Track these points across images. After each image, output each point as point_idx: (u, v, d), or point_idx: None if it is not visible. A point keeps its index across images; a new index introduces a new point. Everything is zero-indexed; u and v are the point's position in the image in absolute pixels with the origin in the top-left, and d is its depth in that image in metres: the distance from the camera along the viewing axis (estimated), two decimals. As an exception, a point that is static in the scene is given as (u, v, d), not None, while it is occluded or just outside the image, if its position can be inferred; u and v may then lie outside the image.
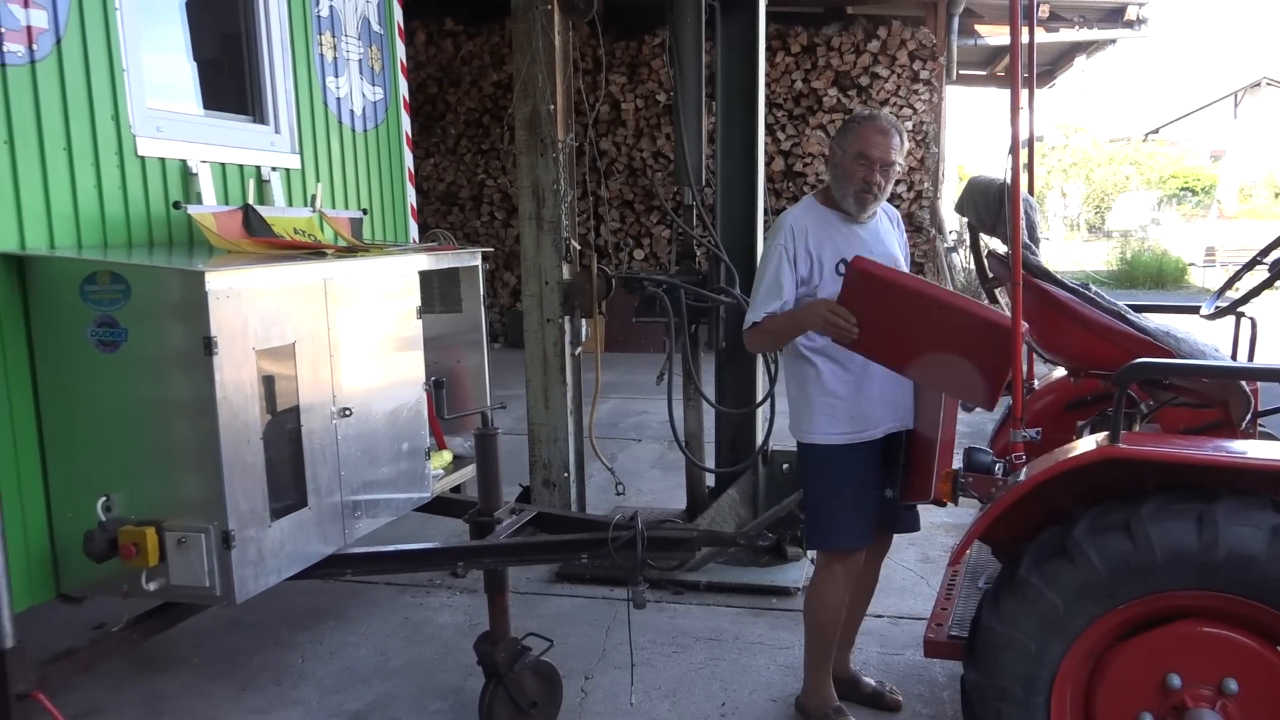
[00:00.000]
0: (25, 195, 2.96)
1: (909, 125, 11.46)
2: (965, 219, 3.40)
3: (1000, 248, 3.40)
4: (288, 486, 3.14)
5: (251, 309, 2.96)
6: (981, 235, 3.37)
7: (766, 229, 5.03)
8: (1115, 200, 33.84)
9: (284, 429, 3.14)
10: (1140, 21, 12.56)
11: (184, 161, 3.55)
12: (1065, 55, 14.70)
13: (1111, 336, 2.99)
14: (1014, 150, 2.68)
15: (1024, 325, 2.64)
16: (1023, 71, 2.71)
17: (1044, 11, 12.51)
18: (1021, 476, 2.66)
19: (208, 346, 2.77)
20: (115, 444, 2.92)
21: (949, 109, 12.01)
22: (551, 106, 4.69)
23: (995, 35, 12.87)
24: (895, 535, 3.55)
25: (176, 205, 3.42)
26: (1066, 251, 23.30)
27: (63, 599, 3.11)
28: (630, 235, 11.79)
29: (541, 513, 3.62)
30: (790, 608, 4.46)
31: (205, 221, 3.42)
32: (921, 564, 5.07)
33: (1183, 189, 34.30)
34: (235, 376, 2.87)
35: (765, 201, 5.19)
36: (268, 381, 3.05)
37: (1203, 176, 35.40)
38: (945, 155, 12.18)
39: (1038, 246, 3.24)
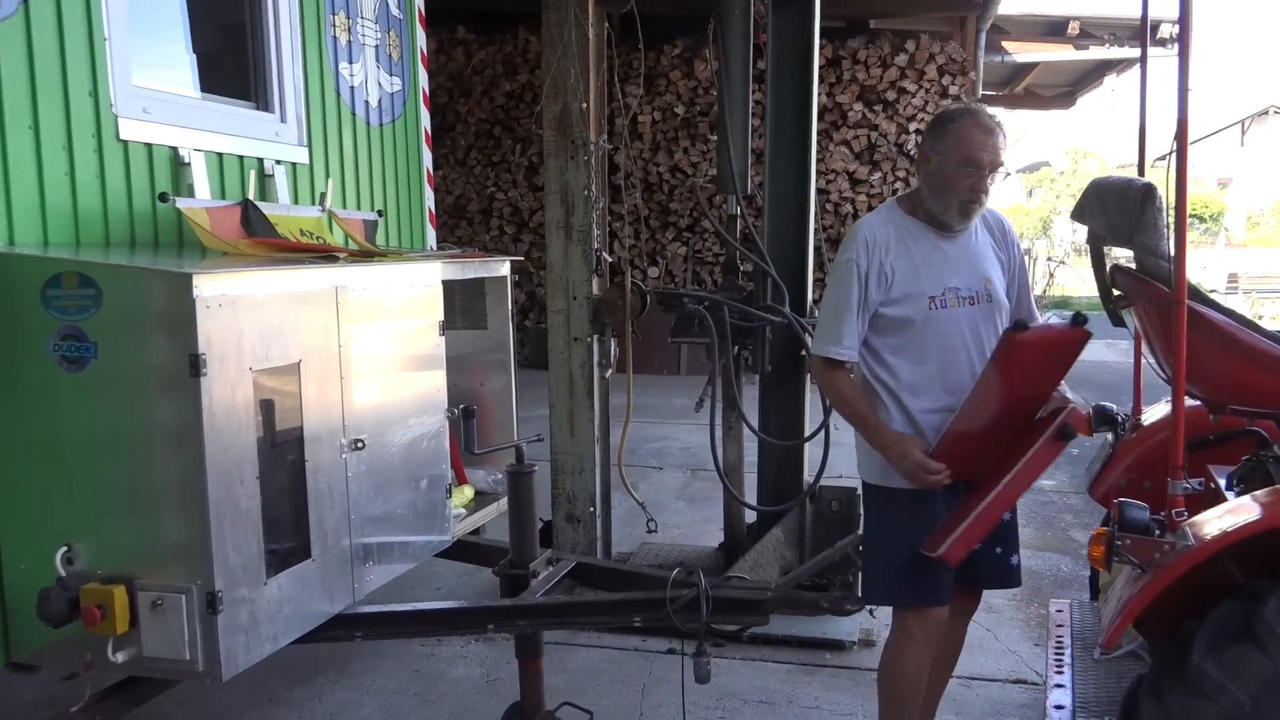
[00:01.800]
0: (-21, 181, 2.48)
1: (937, 142, 11.05)
2: (1086, 227, 2.92)
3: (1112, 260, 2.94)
4: (288, 534, 2.67)
5: (248, 321, 2.48)
6: (1106, 247, 2.88)
7: (826, 242, 4.65)
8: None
9: (285, 465, 2.67)
10: (1172, 40, 12.17)
11: (174, 149, 3.11)
12: (1092, 73, 14.35)
13: (1277, 367, 2.50)
14: (1180, 138, 2.21)
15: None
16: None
17: (1073, 28, 12.18)
18: (1190, 539, 2.17)
19: (194, 366, 2.29)
20: (79, 482, 2.44)
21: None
22: (584, 105, 4.28)
23: (1023, 52, 12.52)
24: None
25: (163, 198, 2.94)
26: (1080, 276, 22.89)
27: (13, 668, 2.60)
28: (645, 253, 11.37)
29: (582, 563, 3.12)
30: (846, 664, 4.05)
31: (197, 218, 2.95)
32: (985, 614, 4.58)
33: (1190, 216, 34.02)
34: (227, 402, 2.39)
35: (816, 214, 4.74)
36: (266, 408, 2.57)
37: (1211, 203, 35.19)
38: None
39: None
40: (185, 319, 2.28)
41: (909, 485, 2.70)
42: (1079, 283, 22.02)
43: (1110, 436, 3.51)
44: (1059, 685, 2.84)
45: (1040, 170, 37.50)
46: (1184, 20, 2.21)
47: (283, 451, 2.66)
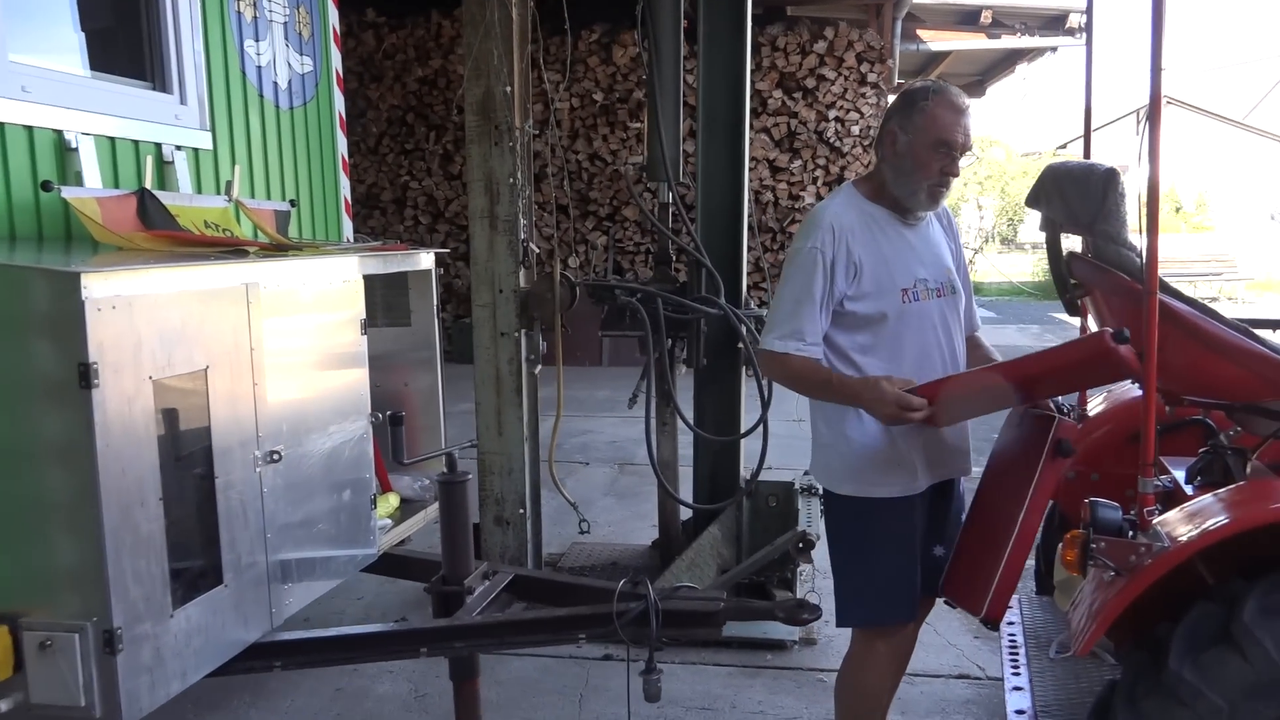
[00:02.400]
0: None
1: (855, 130, 11.08)
2: (1041, 214, 2.82)
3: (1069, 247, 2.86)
4: (196, 559, 2.41)
5: (147, 324, 2.22)
6: (1063, 234, 2.80)
7: (749, 230, 4.51)
8: (1028, 213, 34.52)
9: (192, 482, 2.42)
10: (1082, 30, 12.44)
11: (59, 132, 2.82)
12: (1003, 62, 14.62)
13: (1240, 358, 2.44)
14: (1153, 118, 2.11)
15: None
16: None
17: (986, 17, 12.34)
18: (1165, 540, 2.09)
19: (85, 376, 2.03)
20: (-47, 508, 2.14)
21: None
22: (508, 88, 4.08)
23: (937, 40, 12.64)
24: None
25: (46, 186, 2.65)
26: (990, 263, 23.46)
27: (-118, 718, 2.30)
28: (566, 242, 11.16)
29: (520, 576, 2.94)
30: (788, 665, 3.96)
31: (86, 209, 2.67)
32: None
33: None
34: (123, 415, 2.13)
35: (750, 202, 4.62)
36: (169, 420, 2.32)
37: (1109, 191, 36.33)
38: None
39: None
40: (72, 324, 2.02)
41: (887, 494, 2.54)
42: (991, 270, 22.56)
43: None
44: (1017, 688, 2.76)
45: (948, 158, 38.22)
46: (1157, 13, 2.10)
47: (189, 468, 2.40)
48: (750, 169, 10.98)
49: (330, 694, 3.69)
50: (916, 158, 2.49)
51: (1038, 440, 2.47)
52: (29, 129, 2.72)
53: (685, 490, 4.59)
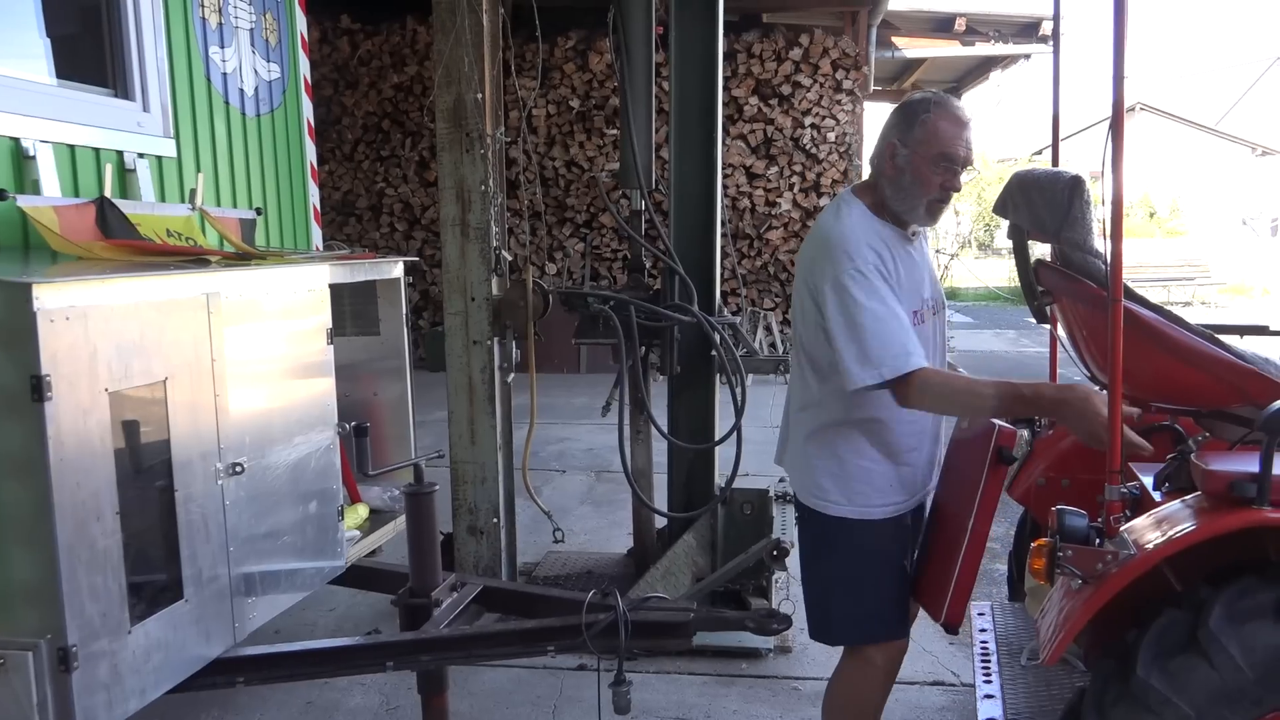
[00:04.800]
0: None
1: (831, 137, 11.11)
2: (1009, 222, 2.82)
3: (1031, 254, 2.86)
4: (156, 574, 2.36)
5: (103, 335, 2.18)
6: (1030, 242, 2.80)
7: (725, 237, 4.51)
8: (1001, 221, 34.66)
9: (151, 496, 2.37)
10: (1049, 39, 12.55)
11: (16, 140, 2.77)
12: (977, 69, 14.71)
13: (1206, 365, 2.45)
14: (1116, 127, 2.10)
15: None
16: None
17: (960, 25, 12.42)
18: (1131, 548, 2.08)
19: (37, 389, 1.99)
20: (-98, 524, 2.09)
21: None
22: (479, 95, 4.05)
23: (913, 48, 12.71)
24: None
25: (1, 195, 2.60)
26: (968, 269, 23.57)
27: None
28: (543, 250, 11.12)
29: (489, 587, 2.90)
30: (763, 674, 3.94)
31: (43, 218, 2.62)
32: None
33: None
34: (78, 429, 2.09)
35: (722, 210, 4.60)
36: (127, 433, 2.27)
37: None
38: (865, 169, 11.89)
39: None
40: (24, 335, 1.97)
41: (883, 515, 2.50)
42: (967, 275, 22.67)
43: (1026, 433, 3.46)
44: (988, 696, 2.74)
45: (925, 164, 38.36)
46: (1119, 20, 2.10)
47: (148, 481, 2.36)
48: (726, 175, 11.05)
49: (300, 707, 3.64)
50: (917, 172, 2.40)
51: (982, 447, 2.47)
52: (-15, 137, 2.68)
53: (660, 498, 4.56)
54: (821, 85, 11.10)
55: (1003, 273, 23.04)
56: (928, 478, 2.64)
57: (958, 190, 2.47)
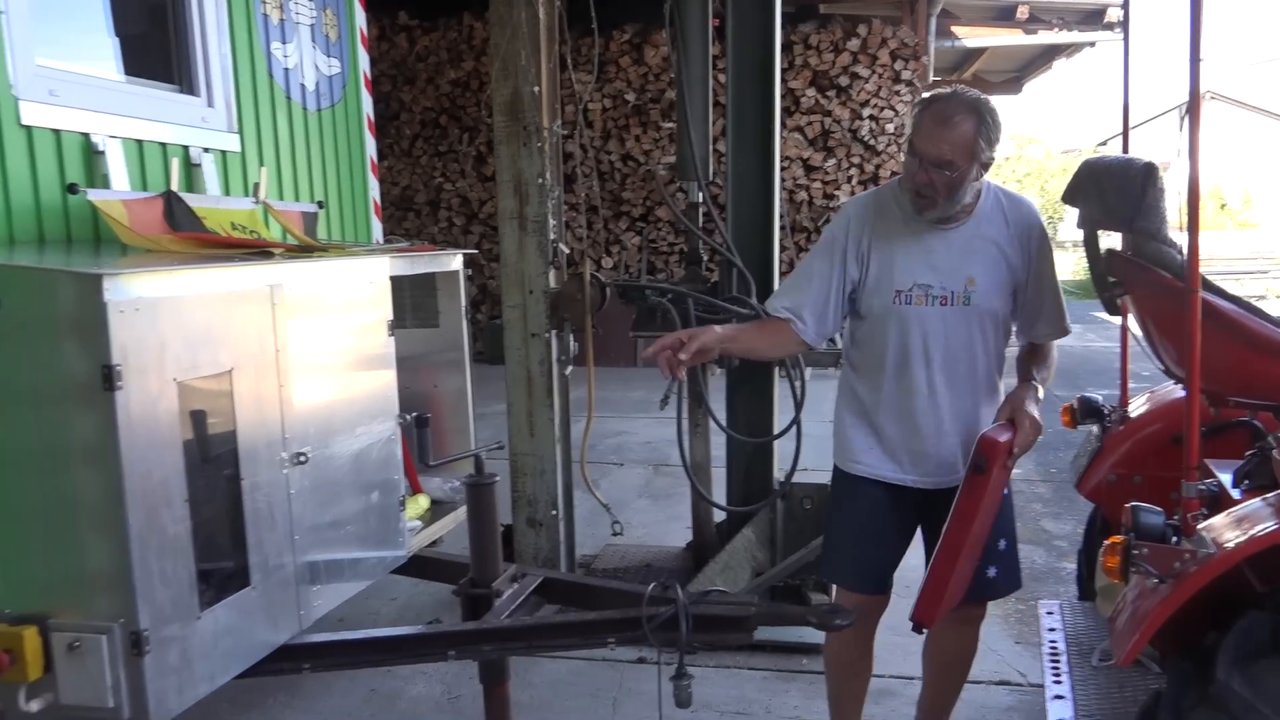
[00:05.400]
0: None
1: (890, 128, 10.95)
2: (1079, 211, 2.74)
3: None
4: (224, 561, 2.39)
5: (172, 326, 2.21)
6: (1101, 232, 2.72)
7: (783, 230, 4.47)
8: (1067, 211, 34.06)
9: (218, 484, 2.40)
10: (1120, 25, 12.23)
11: (86, 136, 2.82)
12: (1040, 59, 14.38)
13: (1291, 358, 2.35)
14: (1193, 111, 2.03)
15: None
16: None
17: (1023, 13, 12.15)
18: (1210, 546, 2.01)
19: (108, 378, 2.02)
20: (-18, 510, 2.14)
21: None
22: (536, 88, 4.05)
23: (973, 37, 12.47)
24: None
25: (73, 189, 2.65)
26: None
27: (-86, 719, 2.30)
28: (599, 243, 11.13)
29: (549, 579, 2.90)
30: (824, 670, 3.84)
31: (113, 212, 2.67)
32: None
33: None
34: (148, 418, 2.12)
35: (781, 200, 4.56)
36: (195, 422, 2.30)
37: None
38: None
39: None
40: (96, 326, 2.01)
41: (857, 472, 2.67)
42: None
43: (1096, 429, 3.37)
44: (1059, 696, 2.68)
45: (985, 156, 37.85)
46: (1196, 5, 2.02)
47: (215, 469, 2.39)
48: (784, 168, 10.95)
49: (364, 694, 3.68)
50: (907, 162, 2.50)
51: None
52: (56, 132, 2.72)
53: (719, 492, 4.54)
54: (880, 76, 10.95)
55: (1067, 265, 22.57)
56: (912, 461, 2.62)
57: (930, 187, 2.43)
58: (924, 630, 2.48)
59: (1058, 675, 2.79)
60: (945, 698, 2.93)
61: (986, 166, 2.47)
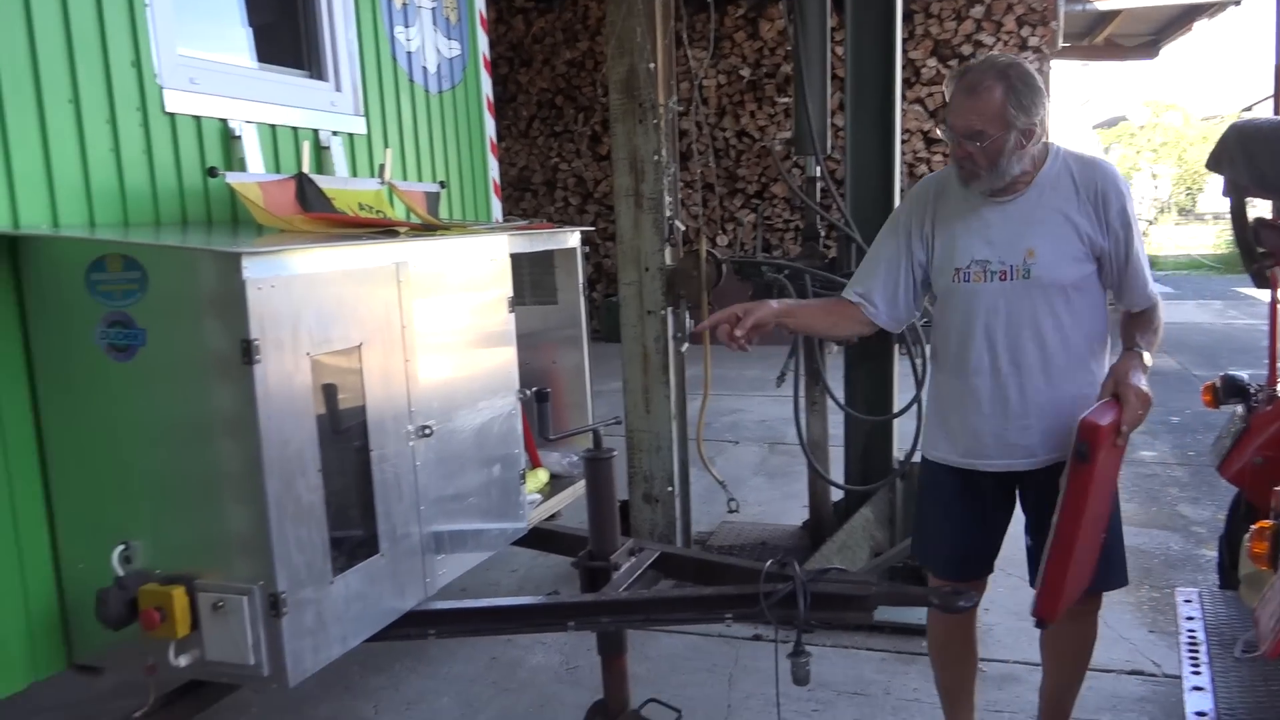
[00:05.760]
0: (19, 159, 2.33)
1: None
2: (1225, 178, 2.59)
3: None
4: (354, 529, 2.48)
5: (305, 302, 2.29)
6: (1249, 200, 2.57)
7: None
8: (1208, 181, 32.26)
9: (348, 455, 2.48)
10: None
11: (224, 121, 2.93)
12: (1179, 19, 13.61)
13: None
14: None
15: None
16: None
17: (1162, -29, 11.54)
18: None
19: (246, 352, 2.11)
20: (134, 477, 2.28)
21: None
22: (651, 65, 4.04)
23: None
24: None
25: (212, 173, 2.78)
26: (1166, 235, 22.00)
27: (77, 670, 2.47)
28: (714, 220, 11.08)
29: (666, 553, 2.92)
30: (944, 653, 3.77)
31: (249, 193, 2.78)
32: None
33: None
34: (284, 391, 2.21)
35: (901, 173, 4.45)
36: (327, 395, 2.39)
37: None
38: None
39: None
40: (235, 302, 2.10)
41: (931, 456, 2.65)
42: (1167, 242, 21.17)
43: (1241, 409, 3.19)
44: (1197, 688, 2.55)
45: (1118, 125, 36.12)
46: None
47: (346, 440, 2.47)
48: (903, 141, 10.61)
49: (485, 663, 3.78)
50: (946, 137, 2.44)
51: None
52: (197, 119, 2.84)
53: (836, 471, 4.49)
54: (1005, 44, 10.55)
55: (1206, 239, 21.37)
56: (980, 445, 2.52)
57: (968, 159, 2.35)
58: (1047, 626, 2.41)
59: (1196, 666, 2.66)
60: (1065, 690, 2.83)
61: (1028, 133, 2.32)
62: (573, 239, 3.87)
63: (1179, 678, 2.74)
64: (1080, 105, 32.73)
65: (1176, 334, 11.05)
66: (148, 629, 2.17)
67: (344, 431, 2.48)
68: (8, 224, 2.30)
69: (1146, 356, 2.35)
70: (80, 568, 2.38)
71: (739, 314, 2.44)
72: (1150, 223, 18.37)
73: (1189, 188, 32.91)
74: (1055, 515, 2.28)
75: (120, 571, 2.25)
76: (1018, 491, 2.61)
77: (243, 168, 2.95)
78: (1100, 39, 14.34)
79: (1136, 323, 2.47)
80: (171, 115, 2.76)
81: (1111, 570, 2.58)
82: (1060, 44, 10.96)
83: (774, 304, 2.52)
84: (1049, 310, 2.41)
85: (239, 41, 3.27)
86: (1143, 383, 2.27)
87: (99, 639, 2.35)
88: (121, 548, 2.27)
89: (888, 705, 3.43)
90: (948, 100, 2.42)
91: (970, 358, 2.47)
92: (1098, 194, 2.40)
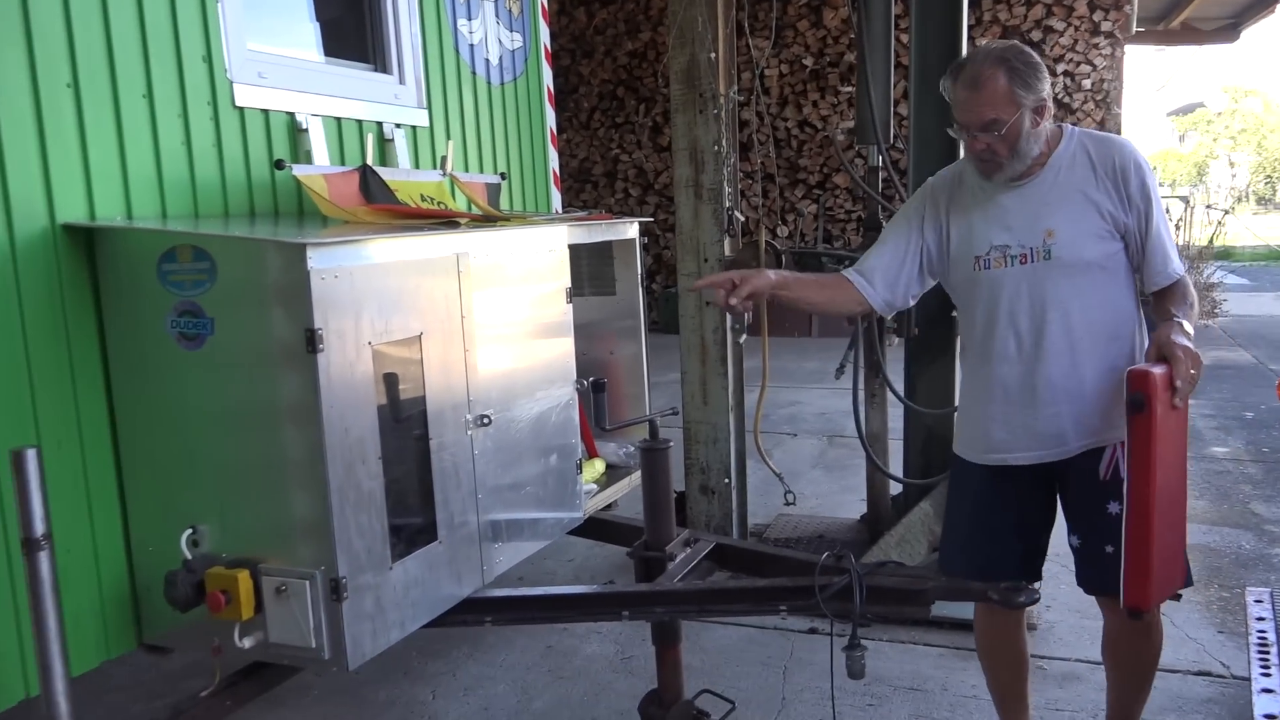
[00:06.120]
0: (95, 153, 2.40)
1: (1087, 84, 10.29)
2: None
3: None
4: (413, 516, 2.52)
5: (367, 293, 2.33)
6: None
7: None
8: (1288, 169, 31.24)
9: (408, 443, 2.53)
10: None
11: (291, 115, 2.99)
12: (1260, 1, 13.15)
13: None
14: None
15: None
16: None
17: (1242, -49, 11.16)
18: None
19: (310, 341, 2.15)
20: (202, 463, 2.35)
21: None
22: (712, 55, 4.03)
23: (1183, -19, 11.55)
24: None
25: (279, 165, 2.83)
26: (1244, 224, 21.29)
27: (146, 649, 2.55)
28: (775, 211, 11.01)
29: (721, 544, 2.92)
30: (1004, 650, 3.71)
31: (314, 185, 2.83)
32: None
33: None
34: (346, 379, 2.26)
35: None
36: (388, 384, 2.43)
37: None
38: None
39: None
40: (300, 292, 2.15)
41: (960, 453, 2.58)
42: (1242, 232, 20.52)
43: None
44: (1267, 690, 2.50)
45: (1195, 112, 35.09)
46: None
47: (406, 429, 2.52)
48: (969, 130, 10.48)
49: (541, 651, 3.81)
50: (957, 136, 2.39)
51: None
52: (265, 112, 2.90)
53: (895, 464, 4.44)
54: (1076, 29, 10.30)
55: (1278, 227, 20.66)
56: (1010, 437, 2.44)
57: (986, 151, 2.31)
58: (1142, 615, 2.25)
59: (1266, 668, 2.60)
60: (1128, 695, 2.70)
61: (1041, 111, 2.29)
62: (631, 230, 3.88)
63: (1248, 679, 2.68)
64: (1155, 91, 31.85)
65: (1252, 327, 10.72)
66: (214, 611, 2.24)
67: (404, 420, 2.52)
68: (84, 216, 2.37)
69: (1186, 324, 2.26)
70: (150, 550, 2.45)
71: (735, 280, 2.43)
72: (1226, 212, 17.78)
73: (1269, 176, 31.88)
74: (1126, 486, 2.18)
75: (188, 555, 2.33)
76: (1058, 492, 2.52)
77: (309, 160, 3.01)
78: (1177, 22, 13.91)
79: (1169, 297, 2.38)
80: (241, 109, 2.82)
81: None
82: (1134, 28, 10.65)
83: (771, 274, 2.49)
84: (1074, 291, 2.34)
85: (306, 36, 3.32)
86: (1188, 342, 2.18)
87: (167, 620, 2.43)
88: (189, 531, 2.35)
89: (944, 702, 3.39)
90: (949, 100, 2.38)
91: (995, 345, 2.41)
92: (1116, 170, 2.34)
